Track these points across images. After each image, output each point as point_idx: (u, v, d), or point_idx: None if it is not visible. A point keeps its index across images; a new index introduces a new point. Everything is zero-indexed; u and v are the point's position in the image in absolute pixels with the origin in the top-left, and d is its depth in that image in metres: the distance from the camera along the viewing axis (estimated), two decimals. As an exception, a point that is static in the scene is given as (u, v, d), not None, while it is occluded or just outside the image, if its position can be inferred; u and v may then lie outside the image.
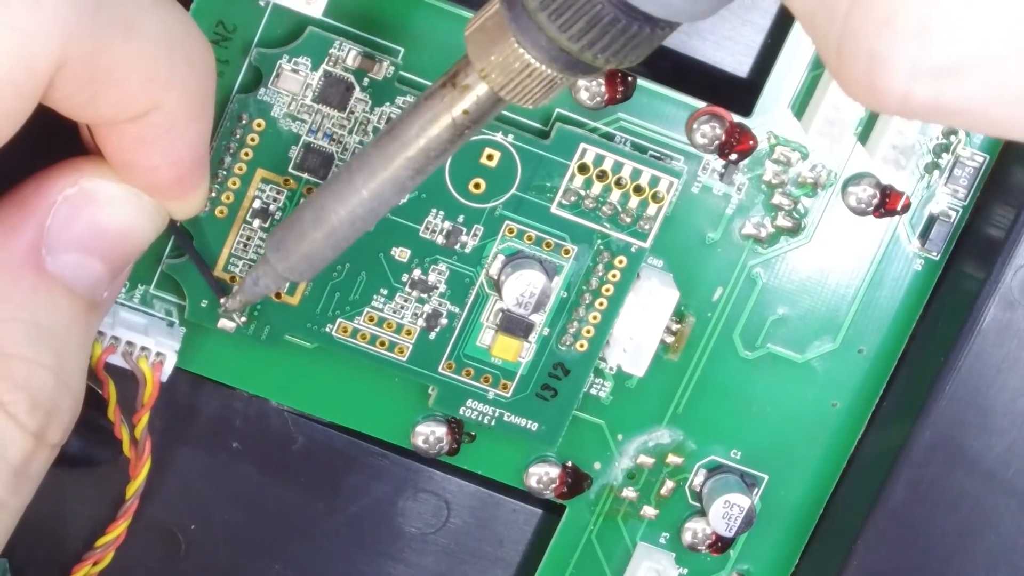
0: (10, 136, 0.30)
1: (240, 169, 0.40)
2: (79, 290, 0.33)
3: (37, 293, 0.32)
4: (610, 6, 0.29)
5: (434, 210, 0.41)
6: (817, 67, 0.42)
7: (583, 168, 0.41)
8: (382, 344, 0.42)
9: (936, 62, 0.24)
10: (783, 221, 0.43)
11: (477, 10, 0.40)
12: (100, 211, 0.33)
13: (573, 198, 0.41)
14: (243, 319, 0.41)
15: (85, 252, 0.33)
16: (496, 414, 0.43)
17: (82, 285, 0.33)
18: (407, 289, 0.42)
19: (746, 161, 0.42)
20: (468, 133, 0.33)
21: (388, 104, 0.40)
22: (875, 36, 0.24)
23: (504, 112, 0.41)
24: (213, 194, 0.40)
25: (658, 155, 0.42)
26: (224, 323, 0.41)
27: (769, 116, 0.42)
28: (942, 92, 0.25)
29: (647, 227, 0.42)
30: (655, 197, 0.41)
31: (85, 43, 0.29)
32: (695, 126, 0.42)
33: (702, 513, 0.45)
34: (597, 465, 0.45)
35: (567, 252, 0.42)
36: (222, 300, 0.40)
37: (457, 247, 0.42)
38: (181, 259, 0.41)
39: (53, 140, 0.34)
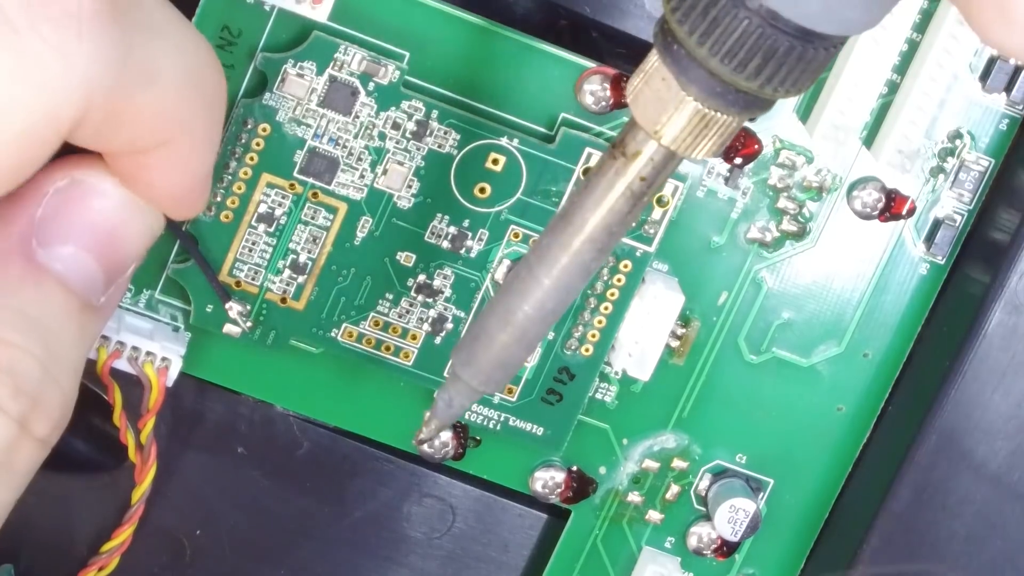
0: (28, 177, 0.30)
1: (245, 174, 0.40)
2: (72, 285, 0.33)
3: (26, 282, 0.32)
4: (783, 35, 0.28)
5: (439, 215, 0.41)
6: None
7: (587, 173, 0.41)
8: (387, 349, 0.42)
9: None
10: (788, 225, 0.43)
11: (485, 16, 0.40)
12: (92, 204, 0.33)
13: (578, 202, 0.41)
14: (248, 324, 0.41)
15: (77, 246, 0.33)
16: (501, 419, 0.43)
17: (75, 280, 0.33)
18: (412, 294, 0.42)
19: (751, 165, 0.42)
20: (645, 200, 0.32)
21: (393, 108, 0.40)
22: None
23: (509, 117, 0.41)
24: (218, 198, 0.40)
25: (663, 159, 0.42)
26: (229, 328, 0.41)
27: (774, 120, 0.42)
28: None
29: (652, 231, 0.42)
30: (660, 201, 0.41)
31: (108, 95, 0.29)
32: (700, 130, 0.42)
33: (707, 517, 0.45)
34: (602, 469, 0.45)
35: (572, 256, 0.42)
36: (419, 434, 0.38)
37: (462, 252, 0.42)
38: (186, 264, 0.41)
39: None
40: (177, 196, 0.34)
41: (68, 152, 0.32)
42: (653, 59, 0.30)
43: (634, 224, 0.33)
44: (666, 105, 0.30)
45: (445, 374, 0.42)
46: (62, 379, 0.32)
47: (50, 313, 0.32)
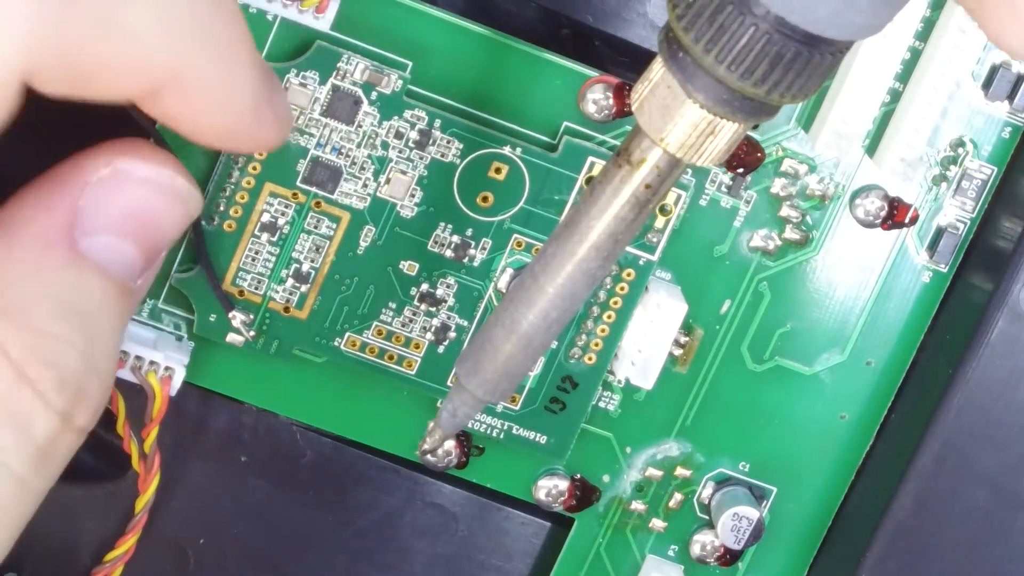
0: None
1: (248, 183, 0.40)
2: (112, 273, 0.33)
3: (68, 272, 0.32)
4: (790, 41, 0.28)
5: (442, 224, 0.41)
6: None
7: (591, 181, 0.41)
8: (391, 358, 0.42)
9: None
10: (791, 234, 0.43)
11: (487, 26, 0.40)
12: (134, 193, 0.33)
13: (581, 211, 0.41)
14: (252, 333, 0.41)
15: (119, 234, 0.33)
16: (505, 427, 0.43)
17: (115, 268, 0.33)
18: (416, 303, 0.42)
19: (754, 174, 0.42)
20: (650, 208, 0.32)
21: (396, 118, 0.40)
22: None
23: (512, 126, 0.41)
24: (221, 208, 0.40)
25: (666, 168, 0.42)
26: (232, 337, 0.41)
27: (777, 129, 0.42)
28: None
29: (655, 240, 0.42)
30: (663, 210, 0.41)
31: (55, 48, 0.29)
32: (703, 139, 0.42)
33: (711, 525, 0.45)
34: (606, 478, 0.45)
35: (575, 265, 0.42)
36: (423, 445, 0.38)
37: (465, 261, 0.42)
38: (190, 273, 0.41)
39: (90, 123, 0.33)
40: (222, 131, 0.33)
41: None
42: (658, 67, 0.30)
43: (639, 232, 0.33)
44: (672, 113, 0.30)
45: (448, 383, 0.42)
46: (101, 367, 0.32)
47: (91, 301, 0.32)
